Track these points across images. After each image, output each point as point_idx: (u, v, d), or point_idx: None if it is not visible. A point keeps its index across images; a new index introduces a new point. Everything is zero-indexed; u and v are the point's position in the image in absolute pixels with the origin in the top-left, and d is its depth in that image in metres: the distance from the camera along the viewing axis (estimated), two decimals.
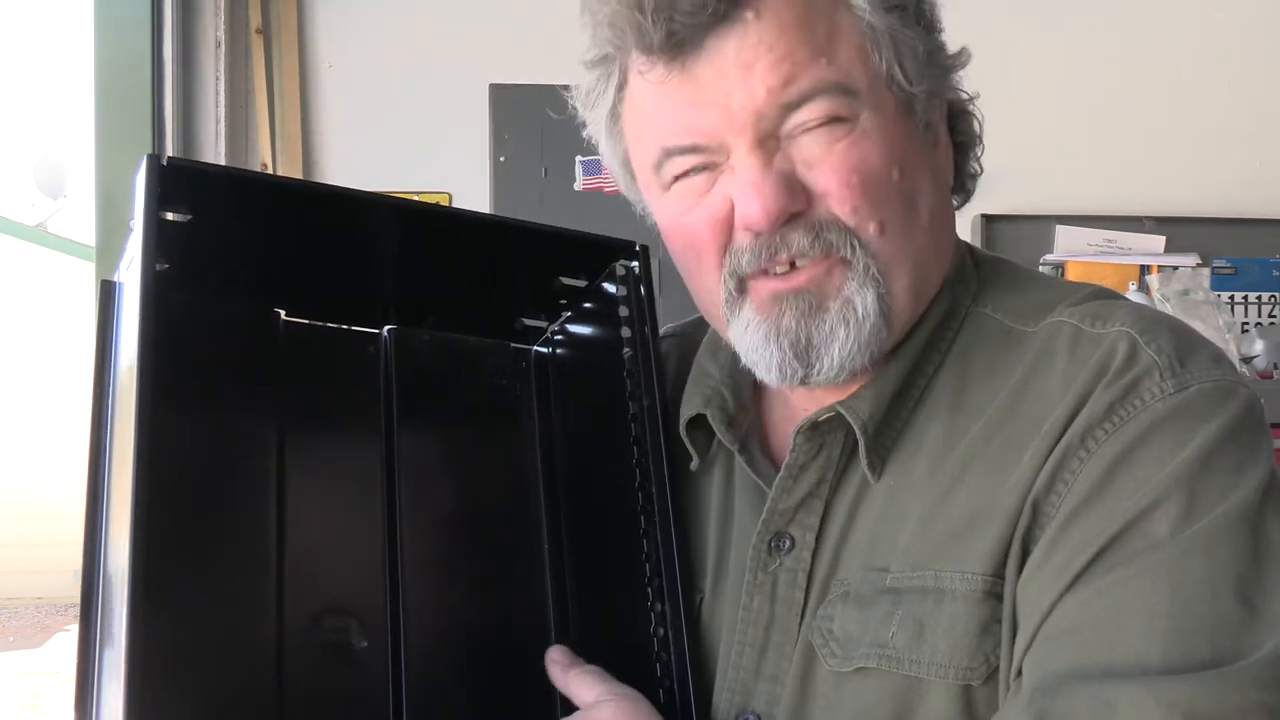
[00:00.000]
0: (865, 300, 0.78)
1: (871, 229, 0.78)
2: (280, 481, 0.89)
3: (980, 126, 0.89)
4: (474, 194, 2.44)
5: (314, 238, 0.91)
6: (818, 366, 0.80)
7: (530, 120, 2.42)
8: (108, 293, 0.87)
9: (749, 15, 0.75)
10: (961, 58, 0.85)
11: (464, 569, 0.97)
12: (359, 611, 0.90)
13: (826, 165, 0.77)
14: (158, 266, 0.78)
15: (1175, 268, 2.52)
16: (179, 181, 0.80)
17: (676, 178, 0.81)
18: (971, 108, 0.87)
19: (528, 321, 1.03)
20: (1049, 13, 2.48)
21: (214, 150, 2.40)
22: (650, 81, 0.78)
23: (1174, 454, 0.71)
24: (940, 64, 0.83)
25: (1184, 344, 0.76)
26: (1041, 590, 0.72)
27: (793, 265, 0.79)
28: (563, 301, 1.01)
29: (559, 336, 1.04)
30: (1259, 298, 2.56)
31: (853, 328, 0.78)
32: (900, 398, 0.81)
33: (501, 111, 2.45)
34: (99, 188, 2.32)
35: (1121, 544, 0.70)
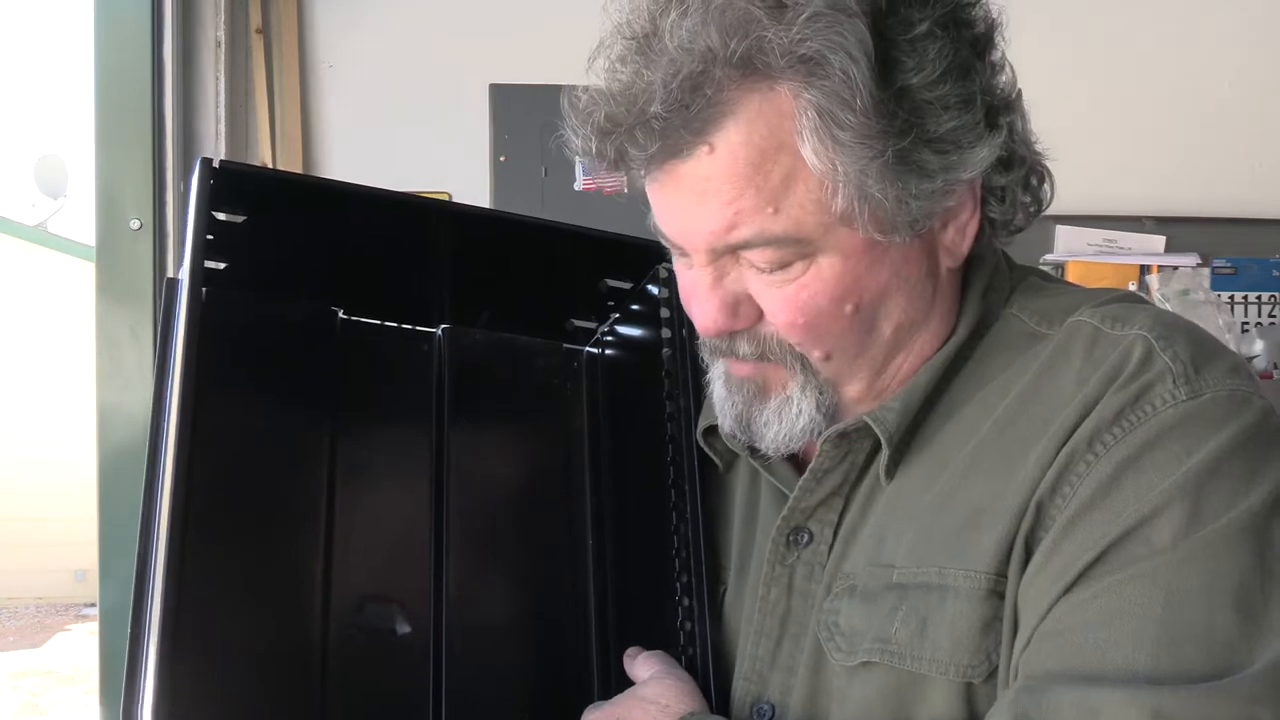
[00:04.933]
0: (804, 402, 0.81)
1: (816, 355, 0.80)
2: (332, 473, 0.93)
3: (1043, 172, 0.88)
4: (474, 194, 2.43)
5: (370, 239, 0.94)
6: (759, 444, 0.84)
7: (530, 120, 2.42)
8: (171, 290, 0.89)
9: (703, 150, 0.73)
10: (1017, 98, 0.83)
11: (507, 561, 1.00)
12: (403, 599, 0.93)
13: (772, 302, 0.78)
14: (215, 265, 0.81)
15: (1175, 268, 2.51)
16: (233, 184, 0.82)
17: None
18: (1025, 149, 0.86)
19: (578, 322, 1.06)
20: (1048, 13, 2.48)
21: (214, 150, 2.40)
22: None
23: (1181, 461, 0.70)
24: (957, 152, 0.76)
25: (1201, 351, 0.75)
26: (1041, 592, 0.71)
27: None
28: (610, 303, 1.03)
29: (609, 338, 1.06)
30: (1259, 298, 2.56)
31: (785, 423, 0.82)
32: (924, 404, 0.82)
33: (501, 111, 2.45)
34: (99, 188, 2.31)
35: (1121, 549, 0.69)
